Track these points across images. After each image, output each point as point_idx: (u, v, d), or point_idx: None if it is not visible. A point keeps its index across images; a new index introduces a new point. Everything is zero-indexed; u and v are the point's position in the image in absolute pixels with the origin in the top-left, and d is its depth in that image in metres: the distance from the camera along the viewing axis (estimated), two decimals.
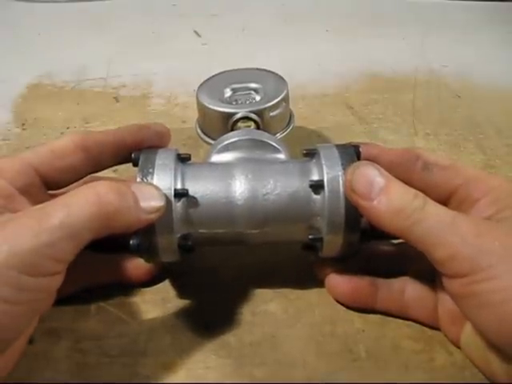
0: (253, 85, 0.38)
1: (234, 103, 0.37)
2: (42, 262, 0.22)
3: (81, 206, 0.23)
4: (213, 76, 0.40)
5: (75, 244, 0.23)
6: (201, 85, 0.39)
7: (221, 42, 0.64)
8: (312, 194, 0.28)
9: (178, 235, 0.28)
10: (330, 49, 0.62)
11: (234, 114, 0.35)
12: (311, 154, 0.30)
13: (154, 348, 0.29)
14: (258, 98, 0.37)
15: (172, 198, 0.27)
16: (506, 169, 0.42)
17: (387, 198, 0.25)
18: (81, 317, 0.30)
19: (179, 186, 0.28)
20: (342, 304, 0.31)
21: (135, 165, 0.28)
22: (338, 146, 0.29)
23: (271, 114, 0.36)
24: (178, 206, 0.28)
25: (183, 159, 0.30)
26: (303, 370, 0.28)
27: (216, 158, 0.31)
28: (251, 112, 0.35)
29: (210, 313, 0.31)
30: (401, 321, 0.30)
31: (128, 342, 0.29)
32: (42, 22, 0.69)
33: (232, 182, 0.28)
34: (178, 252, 0.28)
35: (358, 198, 0.25)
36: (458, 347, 0.28)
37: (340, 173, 0.27)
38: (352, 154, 0.28)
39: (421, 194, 0.25)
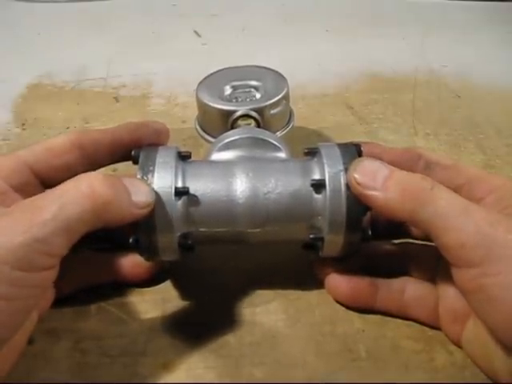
0: (253, 82, 0.38)
1: (234, 101, 0.37)
2: (35, 257, 0.22)
3: (74, 198, 0.23)
4: (212, 73, 0.40)
5: (68, 238, 0.23)
6: (200, 82, 0.38)
7: (221, 41, 0.64)
8: (313, 193, 0.28)
9: (179, 234, 0.28)
10: (330, 49, 0.62)
11: (234, 111, 0.35)
12: (312, 152, 0.30)
13: (154, 348, 0.29)
14: (258, 95, 0.37)
15: (172, 197, 0.27)
16: (506, 169, 0.42)
17: (394, 183, 0.25)
18: (81, 317, 0.30)
19: (180, 185, 0.28)
20: (342, 304, 0.31)
21: (135, 162, 0.28)
22: (340, 145, 0.29)
23: (271, 111, 0.35)
24: (179, 204, 0.28)
25: (184, 157, 0.29)
26: (303, 369, 0.28)
27: (216, 156, 0.31)
28: (251, 110, 0.35)
29: (210, 313, 0.31)
30: (401, 321, 0.30)
31: (128, 341, 0.29)
32: (42, 22, 0.69)
33: (233, 180, 0.28)
34: (178, 251, 0.28)
35: (363, 190, 0.25)
36: (459, 346, 0.28)
37: (342, 172, 0.27)
38: (353, 152, 0.28)
39: (428, 178, 0.25)
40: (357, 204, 0.27)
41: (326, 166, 0.28)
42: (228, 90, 0.38)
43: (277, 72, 0.39)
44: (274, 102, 0.36)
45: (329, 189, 0.27)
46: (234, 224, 0.28)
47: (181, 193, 0.27)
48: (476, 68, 0.57)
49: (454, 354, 0.28)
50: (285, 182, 0.28)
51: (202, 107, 0.37)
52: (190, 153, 0.30)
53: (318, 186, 0.28)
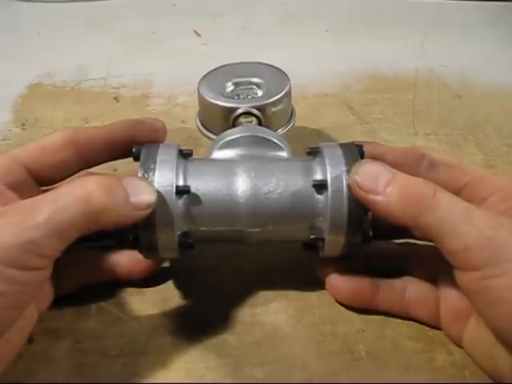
0: (255, 79, 0.38)
1: (235, 98, 0.37)
2: (27, 257, 0.22)
3: (67, 203, 0.23)
4: (214, 69, 0.39)
5: (61, 241, 0.23)
6: (202, 78, 0.38)
7: (221, 42, 0.63)
8: (315, 193, 0.28)
9: (179, 232, 0.28)
10: (330, 49, 0.62)
11: (235, 108, 0.35)
12: (314, 152, 0.30)
13: (154, 348, 0.29)
14: (260, 92, 0.37)
15: (173, 195, 0.27)
16: (506, 169, 0.42)
17: (395, 188, 0.25)
18: (81, 317, 0.30)
19: (181, 183, 0.28)
20: (343, 304, 0.30)
21: (136, 160, 0.28)
22: (342, 145, 0.29)
23: (273, 109, 0.35)
24: (180, 202, 0.27)
25: (185, 155, 0.29)
26: (303, 370, 0.28)
27: (218, 154, 0.31)
28: (253, 107, 0.35)
29: (210, 313, 0.31)
30: (401, 321, 0.30)
31: (128, 341, 0.29)
32: (42, 22, 0.69)
33: (234, 179, 0.28)
34: (177, 249, 0.28)
35: (365, 194, 0.25)
36: (460, 345, 0.28)
37: (344, 173, 0.27)
38: (356, 153, 0.28)
39: (430, 182, 0.25)
40: (358, 205, 0.27)
41: (328, 167, 0.27)
42: (230, 87, 0.38)
43: (279, 69, 0.39)
44: (275, 100, 0.35)
45: (330, 190, 0.27)
46: (234, 223, 0.28)
47: (182, 191, 0.27)
48: (476, 68, 0.57)
49: (454, 354, 0.28)
50: (286, 182, 0.28)
51: (204, 104, 0.37)
52: (191, 150, 0.30)
53: (320, 186, 0.28)
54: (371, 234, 0.28)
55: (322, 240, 0.28)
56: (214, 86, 0.37)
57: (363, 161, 0.27)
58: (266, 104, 0.35)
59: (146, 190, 0.26)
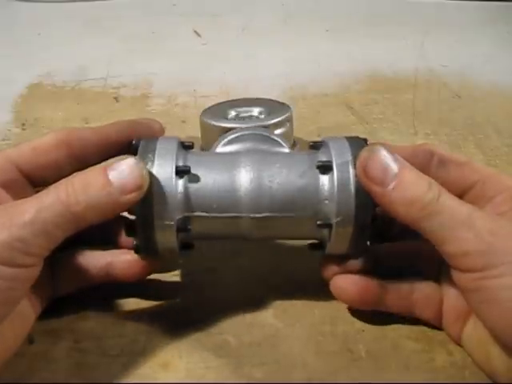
0: (257, 108, 0.38)
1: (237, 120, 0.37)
2: (15, 255, 0.23)
3: (50, 203, 0.23)
4: (215, 104, 0.40)
5: (47, 240, 0.23)
6: (203, 110, 0.38)
7: (221, 42, 0.64)
8: (320, 175, 0.27)
9: (178, 217, 0.27)
10: (330, 49, 0.62)
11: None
12: (318, 146, 0.29)
13: (154, 348, 0.29)
14: (261, 117, 0.37)
15: (173, 175, 0.26)
16: (506, 169, 0.42)
17: (401, 186, 0.24)
18: (80, 317, 0.30)
19: (181, 164, 0.27)
20: (349, 305, 0.30)
21: (135, 154, 0.27)
22: (347, 137, 0.29)
23: (275, 132, 0.35)
24: (180, 183, 0.27)
25: (186, 147, 0.29)
26: (303, 370, 0.28)
27: (221, 150, 0.31)
28: (256, 127, 0.34)
29: (210, 313, 0.31)
30: (401, 321, 0.30)
31: (128, 341, 0.29)
32: (42, 22, 0.69)
33: (237, 167, 0.27)
34: (176, 240, 0.27)
35: (371, 184, 0.25)
36: (459, 345, 0.28)
37: (349, 154, 0.27)
38: (362, 143, 0.28)
39: (435, 184, 0.25)
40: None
41: (332, 152, 0.27)
42: (232, 114, 0.38)
43: (280, 102, 0.39)
44: (277, 122, 0.35)
45: (336, 170, 0.26)
46: (236, 208, 0.27)
47: (182, 171, 0.27)
48: (476, 68, 0.57)
49: (454, 354, 0.28)
50: (291, 168, 0.27)
51: (206, 129, 0.36)
52: (192, 143, 0.29)
53: (325, 167, 0.27)
54: (380, 223, 0.27)
55: (329, 226, 0.27)
56: (216, 113, 0.37)
57: (372, 146, 0.26)
58: (269, 125, 0.35)
59: (133, 170, 0.25)
